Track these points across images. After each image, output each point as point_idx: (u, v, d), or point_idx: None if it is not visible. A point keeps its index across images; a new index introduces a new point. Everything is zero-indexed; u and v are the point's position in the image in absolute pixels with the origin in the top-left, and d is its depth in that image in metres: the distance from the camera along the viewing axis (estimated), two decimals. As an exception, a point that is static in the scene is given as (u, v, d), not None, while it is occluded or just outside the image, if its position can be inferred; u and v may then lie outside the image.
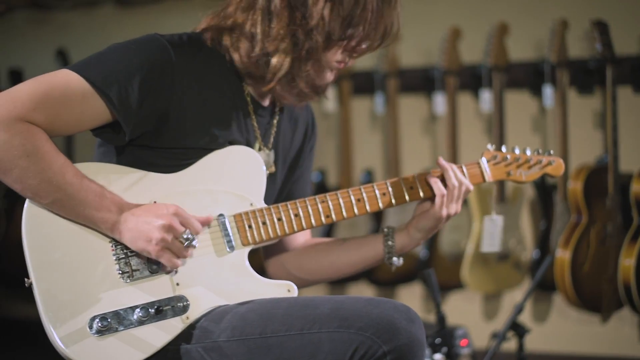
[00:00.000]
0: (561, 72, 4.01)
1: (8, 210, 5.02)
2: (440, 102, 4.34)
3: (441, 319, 3.00)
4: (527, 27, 4.22)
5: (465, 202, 4.16)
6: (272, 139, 2.34)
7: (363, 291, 4.61)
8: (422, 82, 4.42)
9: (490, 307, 4.40)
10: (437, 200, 2.30)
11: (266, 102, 2.31)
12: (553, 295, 4.23)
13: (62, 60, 4.92)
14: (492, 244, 2.53)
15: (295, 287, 2.19)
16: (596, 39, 3.93)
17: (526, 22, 4.23)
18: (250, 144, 2.27)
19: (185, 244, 2.04)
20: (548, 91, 4.11)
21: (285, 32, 2.14)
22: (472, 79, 4.29)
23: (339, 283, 4.62)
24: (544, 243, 4.06)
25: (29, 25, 5.40)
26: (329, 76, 2.26)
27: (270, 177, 2.32)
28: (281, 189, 2.41)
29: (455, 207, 2.33)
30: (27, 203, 2.02)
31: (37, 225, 2.02)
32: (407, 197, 2.32)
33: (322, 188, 4.55)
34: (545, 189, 4.09)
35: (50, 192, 1.98)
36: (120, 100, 2.03)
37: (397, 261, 2.39)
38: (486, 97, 4.22)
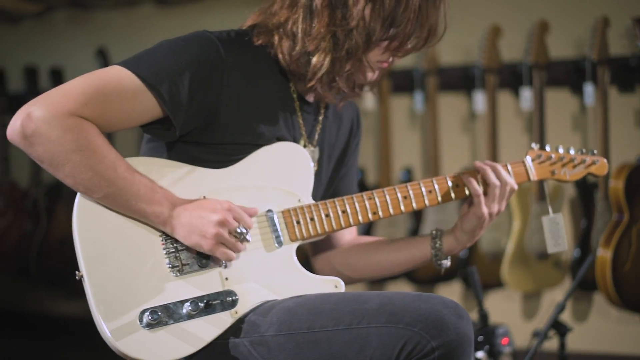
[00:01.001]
0: (602, 69, 3.98)
1: (49, 208, 5.07)
2: (480, 100, 4.33)
3: (483, 316, 2.99)
4: (567, 25, 4.20)
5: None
6: (317, 136, 2.35)
7: (402, 289, 4.60)
8: (461, 80, 4.41)
9: (530, 306, 4.38)
10: (475, 200, 2.30)
11: (311, 99, 2.32)
12: (593, 295, 4.21)
13: (102, 59, 4.96)
14: (557, 243, 2.47)
15: (343, 283, 2.21)
16: (637, 36, 3.91)
17: (567, 20, 4.20)
18: (296, 141, 2.28)
19: (240, 238, 2.06)
20: (589, 89, 4.09)
21: (326, 32, 2.15)
22: (512, 77, 4.27)
23: (378, 281, 4.62)
24: (584, 242, 4.04)
25: (70, 24, 5.45)
26: (372, 75, 2.26)
27: (316, 175, 2.33)
28: (327, 186, 2.42)
29: (497, 207, 2.31)
30: (78, 197, 2.04)
31: (88, 219, 2.04)
32: (452, 195, 2.32)
33: (361, 186, 4.51)
34: (586, 188, 4.07)
35: (102, 186, 1.99)
36: (170, 96, 2.05)
37: (446, 263, 2.40)
38: (526, 95, 4.20)
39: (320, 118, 2.37)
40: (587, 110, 4.19)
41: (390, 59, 2.24)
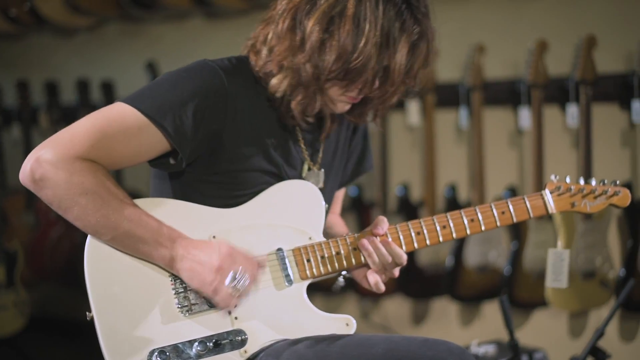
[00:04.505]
0: (650, 85, 3.90)
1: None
2: (525, 115, 4.26)
3: (514, 347, 2.95)
4: (616, 40, 4.11)
5: (550, 217, 4.09)
6: (320, 156, 2.33)
7: (447, 307, 4.58)
8: (507, 95, 4.35)
9: (577, 325, 4.31)
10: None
11: (311, 118, 2.29)
12: (641, 315, 4.13)
13: (152, 72, 5.01)
14: (557, 279, 2.44)
15: (354, 321, 2.19)
16: (687, 52, 3.82)
17: (615, 35, 4.12)
18: (299, 165, 2.27)
19: (232, 284, 2.04)
20: (637, 105, 4.00)
21: (284, 56, 2.12)
22: (558, 93, 4.20)
23: (423, 298, 4.59)
24: (630, 262, 3.96)
25: (120, 37, 5.51)
26: (342, 106, 2.21)
27: (322, 191, 2.32)
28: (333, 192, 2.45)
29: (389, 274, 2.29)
30: (88, 238, 2.07)
31: (98, 260, 2.06)
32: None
33: (405, 202, 4.52)
34: (633, 207, 3.99)
35: (109, 229, 2.02)
36: (175, 129, 2.06)
37: (340, 280, 2.38)
38: (573, 111, 4.12)
39: (323, 136, 2.34)
40: (636, 127, 4.10)
41: (357, 95, 2.17)
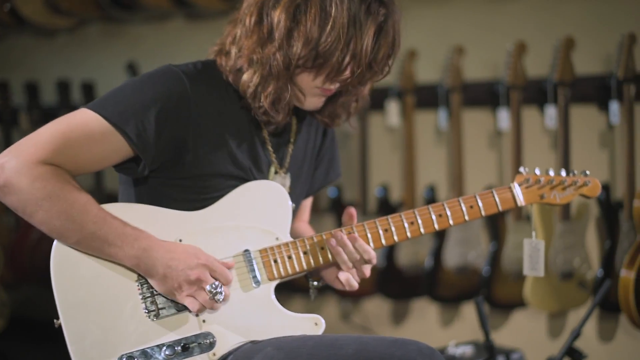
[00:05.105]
0: (627, 86, 3.91)
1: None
2: (504, 117, 4.27)
3: (489, 348, 2.96)
4: (594, 41, 4.12)
5: (528, 218, 4.10)
6: (288, 160, 2.33)
7: (426, 307, 4.58)
8: (486, 96, 4.36)
9: (556, 325, 4.32)
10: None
11: (282, 115, 2.28)
12: (620, 315, 4.14)
13: (133, 73, 5.00)
14: (534, 268, 2.46)
15: (323, 321, 2.20)
16: (665, 53, 3.83)
17: (593, 36, 4.13)
18: (266, 168, 2.27)
19: (209, 296, 2.06)
20: (614, 107, 4.02)
21: (254, 50, 2.13)
22: (537, 94, 4.21)
23: (403, 299, 4.60)
24: (608, 262, 3.97)
25: (101, 38, 5.50)
26: (317, 101, 2.22)
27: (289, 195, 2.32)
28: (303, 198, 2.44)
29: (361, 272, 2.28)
30: (55, 244, 2.07)
31: (64, 267, 2.07)
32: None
33: (385, 203, 4.53)
34: (610, 207, 4.00)
35: (74, 232, 2.02)
36: (137, 135, 2.06)
37: (312, 284, 2.39)
38: (551, 112, 4.14)
39: (292, 140, 2.35)
40: (614, 128, 4.12)
41: (333, 87, 2.19)
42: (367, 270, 2.27)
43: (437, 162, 4.53)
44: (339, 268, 2.26)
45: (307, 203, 2.56)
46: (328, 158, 2.49)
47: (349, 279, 2.25)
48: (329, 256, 2.23)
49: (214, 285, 2.05)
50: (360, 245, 2.21)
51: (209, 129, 2.15)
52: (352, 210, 2.27)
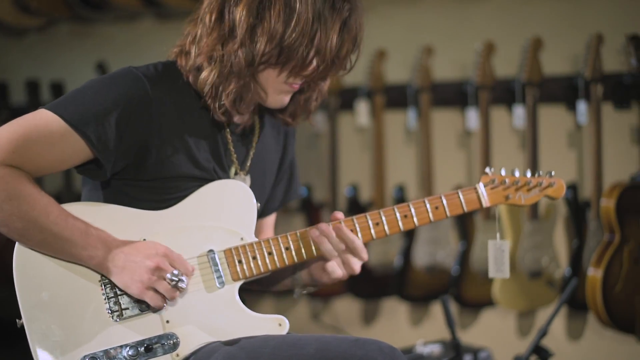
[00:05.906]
0: (595, 87, 3.93)
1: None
2: (473, 116, 4.29)
3: (455, 346, 2.98)
4: (562, 42, 4.15)
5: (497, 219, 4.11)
6: (249, 163, 2.33)
7: (396, 307, 4.60)
8: (455, 96, 4.37)
9: (525, 324, 4.34)
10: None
11: (242, 121, 2.29)
12: (588, 314, 4.16)
13: (102, 72, 4.98)
14: (499, 269, 2.46)
15: (287, 321, 2.19)
16: (631, 53, 3.85)
17: (561, 37, 4.15)
18: (228, 168, 2.26)
19: (171, 284, 2.05)
20: (582, 107, 4.04)
21: (213, 48, 2.12)
22: (505, 94, 4.23)
23: (373, 298, 4.61)
24: (575, 261, 3.99)
25: (70, 38, 5.48)
26: (282, 98, 2.21)
27: None
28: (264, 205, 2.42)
29: (354, 266, 2.26)
30: (16, 245, 2.05)
31: (26, 267, 2.05)
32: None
33: (354, 203, 4.54)
34: (578, 207, 4.03)
35: (35, 234, 2.00)
36: (98, 138, 2.05)
37: (297, 292, 2.39)
38: (519, 112, 4.16)
39: (254, 143, 2.34)
40: (582, 128, 4.14)
41: (299, 83, 2.19)
42: (356, 265, 2.24)
43: (406, 162, 4.54)
44: (325, 260, 2.24)
45: (271, 221, 2.54)
46: (287, 178, 2.48)
47: (334, 268, 2.23)
48: (294, 257, 2.23)
49: (174, 273, 2.04)
50: (344, 234, 2.20)
51: (170, 131, 2.14)
52: (340, 215, 2.25)
